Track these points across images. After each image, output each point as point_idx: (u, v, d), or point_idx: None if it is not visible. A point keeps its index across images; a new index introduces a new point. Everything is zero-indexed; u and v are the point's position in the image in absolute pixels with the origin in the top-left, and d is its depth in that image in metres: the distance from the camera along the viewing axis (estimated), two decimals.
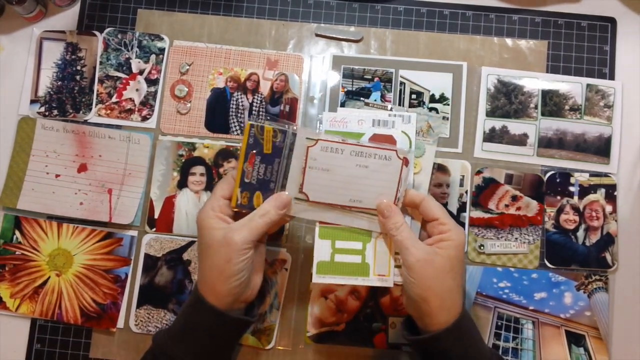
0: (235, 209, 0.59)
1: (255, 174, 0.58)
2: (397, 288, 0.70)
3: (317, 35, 0.76)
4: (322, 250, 0.59)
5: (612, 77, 0.75)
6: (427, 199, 0.58)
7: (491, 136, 0.73)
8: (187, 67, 0.75)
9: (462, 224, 0.71)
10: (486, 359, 0.56)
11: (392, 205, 0.57)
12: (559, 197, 0.72)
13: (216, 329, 0.56)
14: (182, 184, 0.72)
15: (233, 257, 0.55)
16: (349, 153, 0.57)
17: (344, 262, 0.59)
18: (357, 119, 0.60)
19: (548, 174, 0.73)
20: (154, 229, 0.72)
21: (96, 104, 0.74)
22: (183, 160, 0.73)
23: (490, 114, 0.74)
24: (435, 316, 0.54)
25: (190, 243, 0.71)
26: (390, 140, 0.59)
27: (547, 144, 0.73)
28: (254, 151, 0.58)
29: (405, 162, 0.57)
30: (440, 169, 0.72)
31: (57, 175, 0.73)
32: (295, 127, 0.58)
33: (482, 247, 0.71)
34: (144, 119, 0.74)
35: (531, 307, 0.70)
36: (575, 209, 0.72)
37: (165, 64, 0.75)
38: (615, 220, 0.72)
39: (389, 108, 0.63)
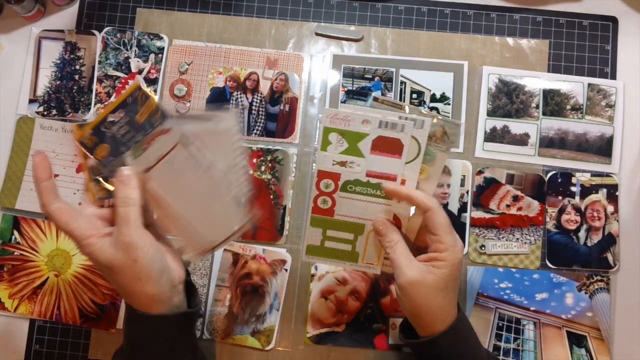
0: (98, 202, 0.55)
1: (115, 129, 0.53)
2: None
3: (317, 34, 0.75)
4: (312, 236, 0.59)
5: (613, 77, 0.75)
6: (433, 212, 0.54)
7: (492, 136, 0.73)
8: (187, 66, 0.74)
9: (463, 225, 0.71)
10: None
11: (387, 223, 0.56)
12: (560, 197, 0.72)
13: (163, 333, 0.54)
14: None
15: (138, 256, 0.51)
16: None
17: (334, 248, 0.59)
18: (362, 118, 0.54)
19: (549, 174, 0.72)
20: None
21: (95, 104, 0.74)
22: None
23: (492, 113, 0.73)
24: (426, 328, 0.54)
25: None
26: (396, 144, 0.55)
27: (549, 143, 0.73)
28: (125, 110, 0.53)
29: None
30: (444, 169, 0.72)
31: (55, 175, 0.72)
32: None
33: (483, 248, 0.71)
34: None
35: (532, 308, 0.70)
36: (577, 209, 0.72)
37: (165, 64, 0.75)
38: (617, 221, 0.72)
39: (404, 108, 0.58)
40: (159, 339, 0.54)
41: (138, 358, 0.55)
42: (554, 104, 0.74)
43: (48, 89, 0.74)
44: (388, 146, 0.55)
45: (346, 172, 0.56)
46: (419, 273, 0.53)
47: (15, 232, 0.72)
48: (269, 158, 0.72)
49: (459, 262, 0.55)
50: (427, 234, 0.56)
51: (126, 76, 0.74)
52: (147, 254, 0.51)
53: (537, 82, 0.74)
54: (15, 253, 0.71)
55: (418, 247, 0.58)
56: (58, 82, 0.74)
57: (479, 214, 0.71)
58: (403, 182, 0.56)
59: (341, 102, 0.73)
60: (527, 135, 0.73)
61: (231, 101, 0.74)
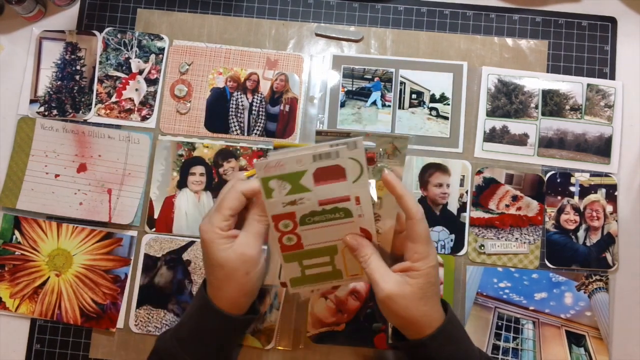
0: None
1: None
2: None
3: (317, 34, 0.76)
4: (291, 270, 0.58)
5: (612, 77, 0.75)
6: (416, 221, 0.54)
7: (491, 136, 0.73)
8: (187, 66, 0.75)
9: (463, 224, 0.71)
10: None
11: (357, 237, 0.55)
12: (559, 197, 0.72)
13: (226, 332, 0.57)
14: (182, 184, 0.72)
15: (251, 269, 0.55)
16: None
17: (316, 273, 0.58)
18: (295, 159, 0.52)
19: (548, 174, 0.72)
20: (154, 229, 0.72)
21: (96, 104, 0.74)
22: (183, 160, 0.73)
23: (491, 113, 0.74)
24: (413, 335, 0.55)
25: (190, 243, 0.71)
26: (337, 169, 0.53)
27: (548, 143, 0.73)
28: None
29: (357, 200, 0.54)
30: (440, 168, 0.72)
31: (56, 175, 0.73)
32: None
33: (482, 247, 0.71)
34: (144, 118, 0.74)
35: (531, 307, 0.70)
36: (576, 209, 0.72)
37: (165, 64, 0.75)
38: (616, 220, 0.72)
39: (350, 134, 0.54)
40: (222, 335, 0.57)
41: (195, 346, 0.56)
42: (553, 104, 0.74)
43: (49, 89, 0.75)
44: (330, 174, 0.53)
45: (299, 209, 0.54)
46: (395, 286, 0.53)
47: (16, 232, 0.72)
48: None
49: (434, 268, 0.55)
50: (404, 240, 0.56)
51: (127, 76, 0.75)
52: (258, 272, 0.55)
53: (536, 82, 0.74)
54: (16, 253, 0.72)
55: (395, 256, 0.58)
56: (59, 83, 0.75)
57: (478, 214, 0.72)
58: (357, 200, 0.54)
59: (341, 102, 0.74)
60: (526, 136, 0.73)
61: (231, 101, 0.74)
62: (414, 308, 0.53)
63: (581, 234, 0.71)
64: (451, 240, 0.71)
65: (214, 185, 0.72)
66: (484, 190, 0.72)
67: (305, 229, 0.55)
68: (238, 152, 0.73)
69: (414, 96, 0.74)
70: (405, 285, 0.53)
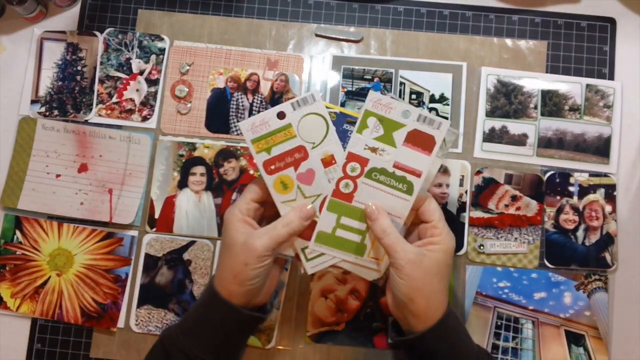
0: None
1: None
2: None
3: (317, 35, 0.76)
4: (326, 222, 0.58)
5: (611, 77, 0.75)
6: (429, 201, 0.58)
7: (491, 136, 0.73)
8: (188, 67, 0.75)
9: (462, 224, 0.72)
10: (472, 356, 0.56)
11: (378, 209, 0.57)
12: (558, 197, 0.72)
13: (230, 325, 0.57)
14: (183, 184, 0.73)
15: (251, 262, 0.55)
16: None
17: (344, 237, 0.59)
18: (405, 108, 0.56)
19: (548, 174, 0.73)
20: (154, 229, 0.72)
21: (97, 104, 0.74)
22: (183, 160, 0.73)
23: (490, 114, 0.74)
24: (420, 317, 0.55)
25: (191, 243, 0.72)
26: (429, 140, 0.56)
27: (547, 144, 0.73)
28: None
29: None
30: (440, 168, 0.72)
31: (57, 175, 0.73)
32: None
33: (481, 247, 0.71)
34: (145, 119, 0.74)
35: (531, 307, 0.71)
36: (575, 209, 0.72)
37: (166, 64, 0.75)
38: (615, 220, 0.72)
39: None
40: (225, 326, 0.57)
41: (197, 335, 0.57)
42: (552, 104, 0.74)
43: (50, 90, 0.75)
44: (420, 141, 0.56)
45: (375, 159, 0.57)
46: (415, 256, 0.54)
47: (18, 232, 0.72)
48: None
49: (452, 249, 0.56)
50: (420, 225, 0.58)
51: (127, 77, 0.75)
52: (258, 270, 0.55)
53: (535, 82, 0.74)
54: (18, 252, 0.72)
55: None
56: (60, 83, 0.75)
57: (477, 214, 0.72)
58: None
59: (340, 102, 0.74)
60: (525, 136, 0.73)
61: (232, 102, 0.74)
62: (428, 281, 0.54)
63: (580, 233, 0.72)
64: None
65: (215, 185, 0.73)
66: (484, 190, 0.72)
67: (365, 183, 0.58)
68: (238, 152, 0.73)
69: (413, 96, 0.74)
70: (423, 257, 0.55)
